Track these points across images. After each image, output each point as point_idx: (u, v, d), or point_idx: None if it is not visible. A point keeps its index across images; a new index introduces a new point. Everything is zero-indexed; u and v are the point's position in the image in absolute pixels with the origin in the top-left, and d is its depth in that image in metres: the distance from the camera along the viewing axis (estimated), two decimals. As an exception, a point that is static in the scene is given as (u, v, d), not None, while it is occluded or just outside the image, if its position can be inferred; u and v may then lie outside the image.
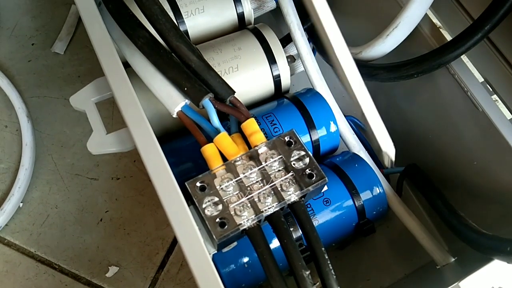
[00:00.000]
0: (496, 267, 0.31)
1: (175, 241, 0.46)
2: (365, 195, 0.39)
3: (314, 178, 0.31)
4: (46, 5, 0.55)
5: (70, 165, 0.48)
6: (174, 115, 0.34)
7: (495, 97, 0.39)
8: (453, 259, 0.39)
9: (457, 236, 0.36)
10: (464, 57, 0.39)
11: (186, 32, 0.44)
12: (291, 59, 0.46)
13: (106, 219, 0.46)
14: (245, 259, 0.36)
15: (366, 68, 0.42)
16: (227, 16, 0.45)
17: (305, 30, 0.44)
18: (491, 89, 0.39)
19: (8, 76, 0.50)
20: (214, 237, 0.29)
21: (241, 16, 0.45)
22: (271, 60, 0.42)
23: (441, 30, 0.39)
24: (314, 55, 0.44)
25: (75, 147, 0.49)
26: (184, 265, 0.45)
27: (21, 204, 0.46)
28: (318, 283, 0.29)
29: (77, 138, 0.49)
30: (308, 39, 0.44)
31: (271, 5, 0.47)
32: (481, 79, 0.39)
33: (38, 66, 0.52)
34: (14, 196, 0.44)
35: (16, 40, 0.53)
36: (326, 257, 0.30)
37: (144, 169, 0.47)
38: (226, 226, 0.30)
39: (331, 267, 0.30)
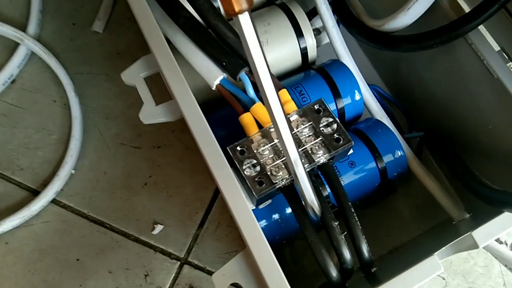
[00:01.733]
0: (504, 219, 0.34)
1: (212, 202, 0.50)
2: (387, 158, 0.42)
3: (341, 142, 0.35)
4: (84, -15, 0.59)
5: (115, 135, 0.52)
6: (214, 88, 0.38)
7: (510, 64, 0.41)
8: (468, 215, 0.43)
9: (472, 193, 0.39)
10: (481, 27, 0.41)
11: (219, 8, 0.47)
12: (317, 32, 0.49)
13: (150, 183, 0.51)
14: (278, 215, 0.40)
15: (388, 39, 0.44)
16: (255, -9, 0.48)
17: (329, 3, 0.47)
18: (507, 57, 0.41)
19: (54, 55, 0.54)
20: (254, 193, 0.34)
21: (269, -9, 0.48)
22: (299, 34, 0.45)
23: (459, 2, 0.41)
24: (339, 27, 0.47)
25: (118, 118, 0.53)
26: (221, 222, 0.50)
27: (73, 171, 0.51)
28: (345, 232, 0.33)
29: (120, 111, 0.53)
30: (332, 12, 0.47)
31: (297, -20, 0.50)
32: (497, 48, 0.41)
33: (80, 44, 0.56)
34: (67, 164, 0.49)
35: (58, 21, 0.57)
36: (352, 210, 0.34)
37: (182, 138, 0.52)
38: (264, 185, 0.34)
39: (356, 219, 0.34)
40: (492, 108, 0.41)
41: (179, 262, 0.48)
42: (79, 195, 0.50)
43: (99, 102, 0.54)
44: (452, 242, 0.34)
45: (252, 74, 0.37)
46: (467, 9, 0.40)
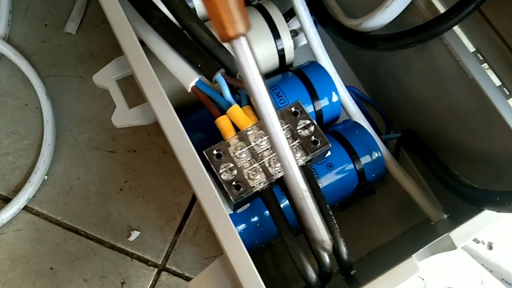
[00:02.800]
0: (480, 219, 0.34)
1: (190, 207, 0.49)
2: (365, 159, 0.42)
3: (318, 144, 0.35)
4: (56, -14, 0.58)
5: (89, 139, 0.51)
6: (189, 90, 0.37)
7: (485, 65, 0.42)
8: (445, 216, 0.43)
9: (451, 192, 0.39)
10: (457, 29, 0.42)
11: (194, 9, 0.46)
12: (294, 33, 0.49)
13: (126, 189, 0.50)
14: (257, 219, 0.39)
15: (365, 38, 0.44)
16: (232, -7, 0.47)
17: (307, 4, 0.46)
18: (482, 58, 0.42)
19: (25, 57, 0.52)
20: (231, 198, 0.33)
21: (245, -7, 0.48)
22: (276, 35, 0.45)
23: (434, 3, 0.41)
24: (316, 29, 0.47)
25: (92, 122, 0.52)
26: (199, 228, 0.49)
27: (46, 177, 0.49)
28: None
29: (94, 114, 0.52)
30: (310, 13, 0.47)
31: (274, -19, 0.49)
32: (472, 49, 0.42)
33: (52, 46, 0.55)
34: (39, 169, 0.48)
35: (29, 21, 0.56)
36: (331, 213, 0.34)
37: (159, 141, 0.51)
38: (241, 188, 0.33)
39: (335, 222, 0.34)
40: (468, 109, 0.41)
41: (156, 269, 0.47)
42: (52, 201, 0.49)
43: (72, 105, 0.52)
44: (430, 243, 0.34)
45: (228, 76, 0.37)
46: (442, 10, 0.41)
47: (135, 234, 0.48)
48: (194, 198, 0.50)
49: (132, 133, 0.51)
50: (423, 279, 0.50)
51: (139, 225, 0.48)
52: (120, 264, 0.47)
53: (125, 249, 0.48)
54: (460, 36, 0.41)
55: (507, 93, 0.40)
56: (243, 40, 0.21)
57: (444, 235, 0.34)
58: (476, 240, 0.53)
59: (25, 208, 0.48)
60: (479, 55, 0.42)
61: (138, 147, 0.51)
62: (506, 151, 0.38)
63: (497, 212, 0.35)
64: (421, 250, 0.34)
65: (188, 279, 0.47)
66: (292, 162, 0.27)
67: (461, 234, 0.34)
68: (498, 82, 0.41)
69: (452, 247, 0.34)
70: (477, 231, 0.34)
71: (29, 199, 0.48)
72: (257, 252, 0.42)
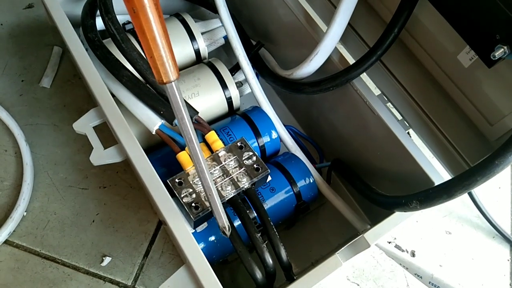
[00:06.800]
0: (387, 223, 0.44)
1: (155, 234, 0.57)
2: (300, 183, 0.52)
3: (260, 170, 0.44)
4: (31, 47, 0.66)
5: (63, 178, 0.58)
6: (154, 133, 0.46)
7: (389, 104, 0.53)
8: (369, 226, 0.52)
9: (370, 202, 0.49)
10: (366, 77, 0.53)
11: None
12: (240, 84, 0.59)
13: (98, 220, 0.56)
14: (214, 237, 0.47)
15: (296, 85, 0.55)
16: (186, 53, 0.57)
17: (249, 59, 0.57)
18: (386, 99, 0.53)
19: (5, 108, 0.59)
20: (191, 217, 0.41)
21: (197, 52, 0.58)
22: (224, 86, 0.55)
23: (345, 57, 0.53)
24: (258, 79, 0.57)
25: (66, 164, 0.59)
26: (164, 251, 0.56)
27: (25, 213, 0.55)
28: (266, 242, 0.42)
29: (68, 157, 0.59)
30: (252, 67, 0.57)
31: (221, 41, 0.60)
32: (378, 92, 0.53)
33: (29, 98, 0.62)
34: (20, 206, 0.54)
35: (7, 77, 0.63)
36: (272, 223, 0.42)
37: (126, 178, 0.59)
38: (199, 208, 0.42)
39: (275, 230, 0.42)
40: (379, 139, 0.52)
41: (127, 290, 0.54)
42: (31, 234, 0.55)
43: (48, 149, 0.59)
44: (349, 243, 0.43)
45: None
46: (352, 62, 0.52)
47: (107, 260, 0.54)
48: (158, 226, 0.57)
49: (102, 172, 0.59)
50: (358, 285, 0.59)
51: (110, 252, 0.55)
52: (94, 287, 0.53)
53: (98, 274, 0.54)
54: (368, 82, 0.52)
55: (407, 125, 0.52)
56: (173, 84, 0.30)
57: (360, 236, 0.43)
58: (401, 249, 0.63)
59: (6, 242, 0.54)
60: (384, 96, 0.53)
61: (108, 184, 0.58)
62: (408, 170, 0.49)
63: (405, 212, 0.44)
64: (343, 248, 0.43)
65: (155, 297, 0.54)
66: (205, 174, 0.35)
67: (373, 234, 0.43)
68: (400, 117, 0.52)
69: (367, 245, 0.43)
70: (385, 232, 0.44)
71: (10, 233, 0.54)
72: (216, 268, 0.50)
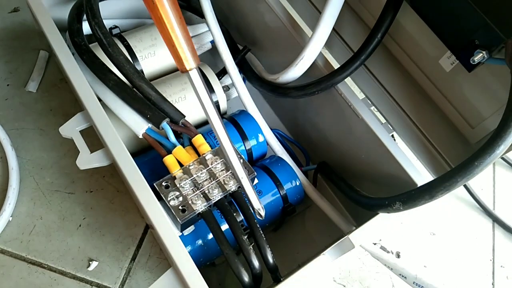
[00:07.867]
0: (372, 224, 0.45)
1: (143, 238, 0.57)
2: (287, 186, 0.52)
3: (247, 173, 0.44)
4: (17, 51, 0.65)
5: (50, 183, 0.58)
6: (140, 136, 0.46)
7: (373, 108, 0.54)
8: (354, 227, 0.53)
9: (355, 203, 0.50)
10: (350, 82, 0.54)
11: (142, 71, 0.56)
12: (226, 88, 0.59)
13: (84, 225, 0.56)
14: (201, 240, 0.48)
15: (282, 89, 0.55)
16: (173, 57, 0.57)
17: (236, 64, 0.57)
18: (370, 103, 0.54)
19: (-11, 113, 0.59)
20: (178, 220, 0.41)
21: (185, 56, 0.58)
22: (211, 90, 0.55)
23: (330, 62, 0.54)
24: (245, 83, 0.57)
25: (52, 168, 0.59)
26: (151, 255, 0.56)
27: (10, 218, 0.55)
28: (252, 244, 0.42)
29: (54, 161, 0.59)
30: (239, 71, 0.58)
31: (208, 46, 0.61)
32: (362, 96, 0.54)
33: (15, 103, 0.62)
34: (5, 211, 0.54)
35: (-8, 82, 0.63)
36: (258, 226, 0.43)
37: (113, 182, 0.59)
38: (186, 212, 0.42)
39: (261, 232, 0.43)
40: (362, 142, 0.53)
41: (114, 294, 0.54)
42: (17, 240, 0.54)
43: (34, 154, 0.59)
44: (335, 244, 0.44)
45: (172, 123, 0.46)
46: (337, 67, 0.53)
47: (94, 264, 0.54)
48: (145, 230, 0.57)
49: (88, 176, 0.59)
50: (344, 286, 0.60)
51: (97, 256, 0.55)
52: (81, 291, 0.53)
53: (85, 278, 0.54)
54: (352, 87, 0.53)
55: (391, 128, 0.52)
56: (196, 70, 0.32)
57: (345, 237, 0.44)
58: (386, 250, 0.64)
59: (-9, 248, 0.53)
60: (368, 100, 0.54)
61: (95, 188, 0.58)
62: (391, 172, 0.50)
63: (388, 213, 0.45)
64: (329, 249, 0.43)
65: (142, 301, 0.54)
66: (233, 156, 0.38)
67: (357, 235, 0.44)
68: (383, 120, 0.53)
69: (352, 246, 0.44)
70: (370, 233, 0.45)
71: (-5, 239, 0.53)
72: (203, 271, 0.50)
